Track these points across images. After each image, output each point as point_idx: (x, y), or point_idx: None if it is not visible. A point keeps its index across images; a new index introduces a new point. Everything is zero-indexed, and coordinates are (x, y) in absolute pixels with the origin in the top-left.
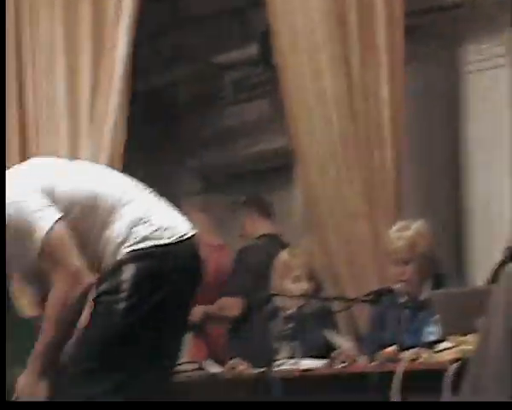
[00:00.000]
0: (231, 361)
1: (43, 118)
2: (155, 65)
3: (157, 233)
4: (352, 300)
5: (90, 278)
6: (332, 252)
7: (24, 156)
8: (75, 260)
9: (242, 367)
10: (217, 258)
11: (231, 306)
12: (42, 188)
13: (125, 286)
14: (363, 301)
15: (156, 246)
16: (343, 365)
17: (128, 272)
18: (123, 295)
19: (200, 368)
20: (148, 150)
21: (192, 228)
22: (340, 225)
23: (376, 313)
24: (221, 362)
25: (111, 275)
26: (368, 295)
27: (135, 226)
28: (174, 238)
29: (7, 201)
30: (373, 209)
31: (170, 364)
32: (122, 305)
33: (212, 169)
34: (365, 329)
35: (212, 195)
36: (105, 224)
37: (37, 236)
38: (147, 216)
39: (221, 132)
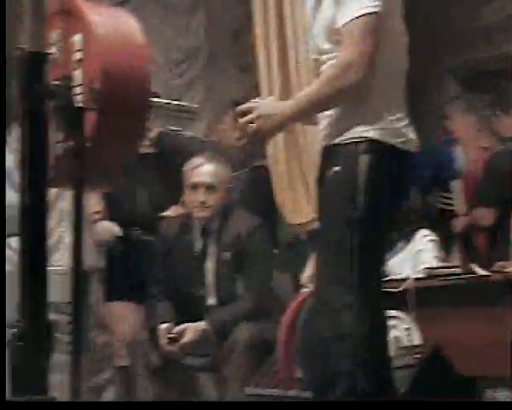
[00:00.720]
0: (498, 263)
1: None
2: None
3: (395, 132)
4: None
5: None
6: None
7: None
8: (371, 52)
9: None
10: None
11: (484, 216)
12: None
13: (361, 180)
14: None
15: (391, 145)
16: None
17: (363, 163)
18: (359, 190)
19: (469, 272)
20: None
21: (418, 141)
22: None
23: None
24: (486, 267)
25: (345, 155)
26: None
27: (380, 110)
28: (407, 145)
29: None
30: None
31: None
32: (356, 199)
33: (471, 69)
34: None
35: (472, 95)
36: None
37: (357, 7)
38: (395, 111)
39: (481, 29)
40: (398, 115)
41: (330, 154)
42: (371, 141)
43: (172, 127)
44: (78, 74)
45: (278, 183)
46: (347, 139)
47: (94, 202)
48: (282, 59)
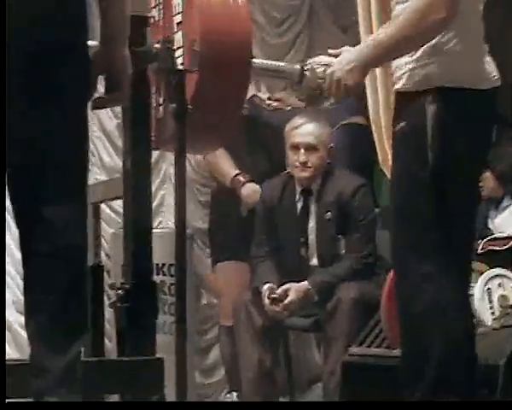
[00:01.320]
0: None
1: None
2: None
3: (470, 73)
4: None
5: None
6: None
7: None
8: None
9: None
10: None
11: None
12: None
13: (428, 136)
14: None
15: (465, 89)
16: None
17: (430, 115)
18: (426, 147)
19: None
20: None
21: (497, 80)
22: None
23: None
24: None
25: (411, 107)
26: None
27: (453, 52)
28: (484, 84)
29: None
30: None
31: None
32: (424, 158)
33: None
34: None
35: None
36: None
37: None
38: (472, 51)
39: None
40: (475, 55)
41: (398, 104)
42: (440, 88)
43: (260, 94)
44: (178, 37)
45: (378, 138)
46: (413, 87)
47: (228, 166)
48: (383, 19)
